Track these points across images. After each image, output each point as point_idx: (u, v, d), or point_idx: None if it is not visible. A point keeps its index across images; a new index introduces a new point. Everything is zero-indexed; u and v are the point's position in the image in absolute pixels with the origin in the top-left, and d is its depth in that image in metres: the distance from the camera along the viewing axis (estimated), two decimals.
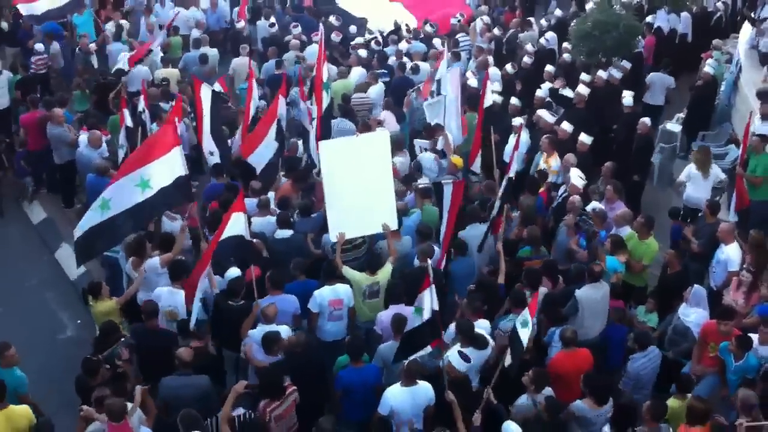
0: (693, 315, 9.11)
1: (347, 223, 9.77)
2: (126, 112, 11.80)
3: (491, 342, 8.54)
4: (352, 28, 19.28)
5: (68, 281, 12.04)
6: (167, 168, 9.14)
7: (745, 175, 11.32)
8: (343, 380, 8.24)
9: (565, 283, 9.76)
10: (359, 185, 9.67)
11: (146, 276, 9.48)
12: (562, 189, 11.67)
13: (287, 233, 10.33)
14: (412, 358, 7.94)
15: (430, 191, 11.03)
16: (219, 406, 7.63)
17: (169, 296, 9.15)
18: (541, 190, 11.72)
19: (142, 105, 12.08)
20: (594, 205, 11.00)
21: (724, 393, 8.56)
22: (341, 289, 9.31)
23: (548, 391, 7.87)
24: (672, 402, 8.01)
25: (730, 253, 9.95)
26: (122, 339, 8.50)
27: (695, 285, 9.39)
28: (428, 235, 10.06)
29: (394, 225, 9.99)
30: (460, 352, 7.90)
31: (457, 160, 12.39)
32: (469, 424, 7.54)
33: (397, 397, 7.71)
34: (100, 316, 9.09)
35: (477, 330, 8.38)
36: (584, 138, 12.56)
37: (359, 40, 17.99)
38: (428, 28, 18.65)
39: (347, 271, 9.51)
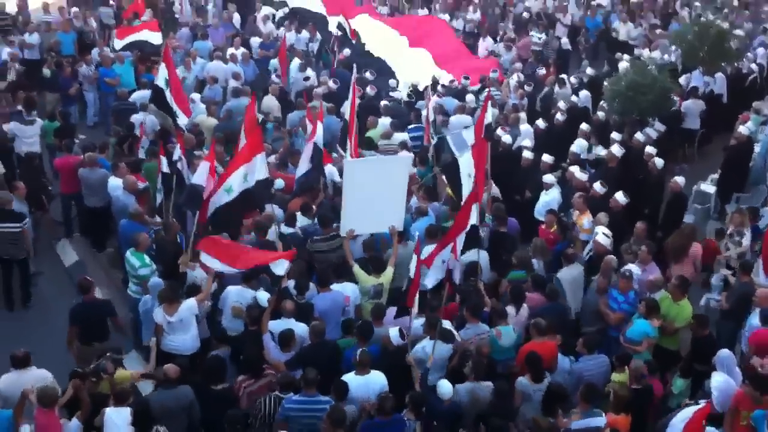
0: (716, 379, 8.87)
1: (359, 222, 10.84)
2: (163, 159, 11.95)
3: (457, 338, 9.46)
4: (392, 82, 19.45)
5: None
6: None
7: None
8: (350, 360, 8.97)
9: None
10: (375, 194, 10.58)
11: (182, 317, 9.69)
12: (588, 247, 11.61)
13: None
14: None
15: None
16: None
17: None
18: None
19: (178, 152, 12.22)
20: (629, 267, 10.83)
21: None
22: (349, 288, 10.36)
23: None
24: (615, 376, 9.03)
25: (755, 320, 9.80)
26: (107, 354, 8.84)
27: (721, 350, 9.22)
28: (435, 234, 10.93)
29: (400, 229, 11.10)
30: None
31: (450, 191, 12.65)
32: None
33: (352, 384, 8.56)
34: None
35: (445, 326, 9.34)
36: (619, 197, 12.45)
37: (397, 94, 18.32)
38: (463, 81, 18.83)
39: (357, 270, 10.45)
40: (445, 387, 8.59)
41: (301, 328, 9.51)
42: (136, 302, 10.67)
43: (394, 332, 9.13)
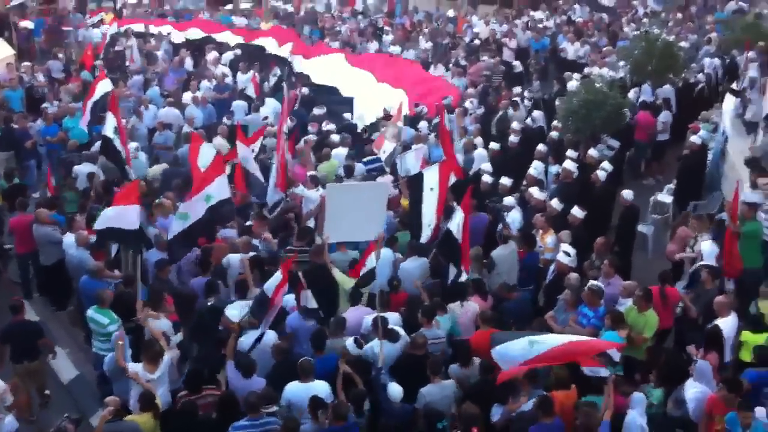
0: (692, 390, 8.94)
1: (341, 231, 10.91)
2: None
3: (404, 337, 9.80)
4: (346, 116, 19.57)
5: (60, 383, 11.78)
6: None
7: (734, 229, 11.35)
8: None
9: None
10: (355, 218, 10.58)
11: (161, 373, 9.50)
12: (552, 267, 11.72)
13: None
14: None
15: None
16: None
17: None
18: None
19: None
20: (595, 282, 10.84)
21: None
22: None
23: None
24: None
25: (724, 326, 9.87)
26: (66, 415, 8.67)
27: (699, 360, 9.26)
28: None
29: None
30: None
31: (405, 202, 13.29)
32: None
33: (292, 391, 8.84)
34: None
35: (392, 326, 9.79)
36: (576, 212, 12.67)
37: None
38: (416, 110, 18.98)
39: (336, 273, 10.94)
40: (394, 390, 8.84)
41: (270, 336, 9.75)
42: (102, 359, 10.39)
43: (350, 342, 9.38)
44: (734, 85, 18.02)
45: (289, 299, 10.59)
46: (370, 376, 9.39)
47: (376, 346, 9.59)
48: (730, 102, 16.69)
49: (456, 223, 10.87)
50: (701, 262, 11.43)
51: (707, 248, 11.60)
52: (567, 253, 11.49)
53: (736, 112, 16.18)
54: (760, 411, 8.33)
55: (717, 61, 20.97)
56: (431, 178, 11.77)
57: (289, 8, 31.10)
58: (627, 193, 13.53)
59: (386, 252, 11.56)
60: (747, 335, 9.85)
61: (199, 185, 11.90)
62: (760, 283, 10.84)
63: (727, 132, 15.49)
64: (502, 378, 8.48)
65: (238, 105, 19.90)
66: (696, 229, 12.16)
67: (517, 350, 8.42)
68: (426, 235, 12.00)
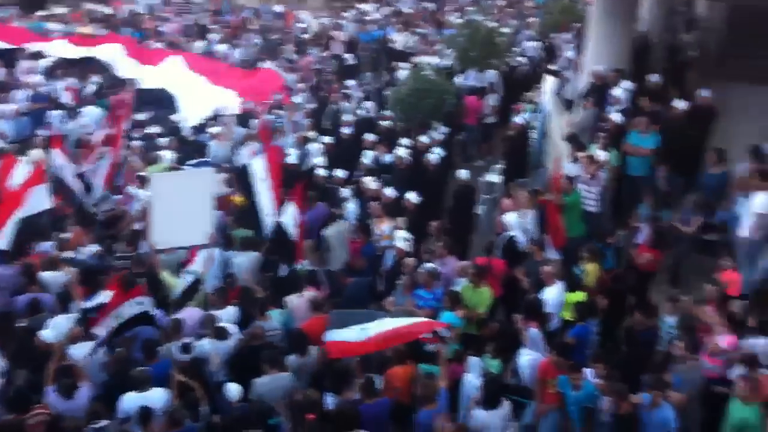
0: (525, 357, 9.30)
1: (167, 236, 11.08)
2: None
3: (236, 334, 9.78)
4: (174, 117, 19.00)
5: None
6: None
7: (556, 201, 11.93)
8: None
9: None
10: (182, 208, 10.81)
11: None
12: (391, 252, 11.85)
13: None
14: None
15: None
16: None
17: None
18: None
19: None
20: (430, 264, 11.08)
21: (567, 426, 8.73)
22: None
23: None
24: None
25: (550, 295, 10.32)
26: None
27: (531, 329, 9.60)
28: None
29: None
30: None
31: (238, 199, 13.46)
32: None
33: (130, 402, 8.64)
34: None
35: (220, 323, 9.79)
36: (411, 197, 12.86)
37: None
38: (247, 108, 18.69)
39: (166, 276, 10.93)
40: (232, 389, 8.82)
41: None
42: None
43: (176, 348, 9.37)
44: (552, 66, 18.84)
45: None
46: (205, 378, 9.20)
47: (206, 346, 9.51)
48: (549, 82, 17.41)
49: (288, 217, 10.79)
50: (509, 233, 11.95)
51: (512, 219, 12.10)
52: (405, 239, 11.64)
53: (555, 92, 16.89)
54: (587, 372, 8.72)
55: (537, 43, 21.90)
56: (259, 169, 11.84)
57: (107, 11, 29.71)
58: (462, 172, 13.90)
59: (216, 252, 11.42)
60: (568, 295, 10.39)
61: (9, 207, 11.20)
62: (592, 252, 11.32)
63: (548, 111, 16.16)
64: (335, 353, 8.66)
65: (55, 115, 18.83)
66: (521, 204, 12.59)
67: (350, 337, 8.51)
68: (268, 225, 12.01)
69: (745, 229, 11.10)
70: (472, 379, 8.93)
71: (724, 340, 9.25)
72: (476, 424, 8.34)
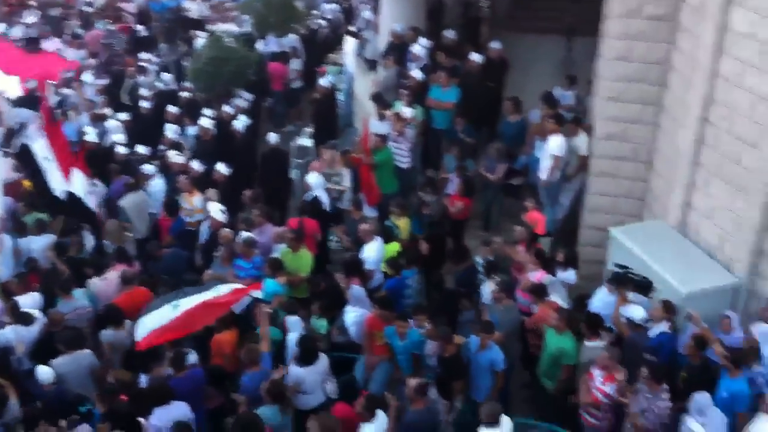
0: (351, 315, 9.41)
1: None
2: None
3: (41, 318, 9.49)
4: None
5: None
6: None
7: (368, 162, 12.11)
8: None
9: None
10: None
11: None
12: (205, 225, 11.51)
13: None
14: None
15: None
16: None
17: None
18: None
19: None
20: (246, 234, 10.85)
21: (397, 375, 8.91)
22: None
23: None
24: None
25: (370, 252, 10.46)
26: None
27: (353, 286, 9.66)
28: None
29: None
30: None
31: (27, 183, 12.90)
32: None
33: None
34: None
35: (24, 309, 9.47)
36: (221, 168, 12.55)
37: None
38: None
39: None
40: (43, 372, 8.55)
41: None
42: None
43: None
44: (352, 27, 18.90)
45: None
46: (11, 369, 8.83)
47: (9, 334, 9.12)
48: (350, 43, 17.45)
49: (78, 188, 10.38)
50: (312, 193, 12.02)
51: (315, 180, 12.13)
52: (219, 211, 11.35)
53: (356, 53, 16.96)
54: (412, 322, 8.91)
55: (335, 6, 21.86)
56: (41, 148, 11.51)
57: None
58: (270, 136, 13.73)
59: (6, 238, 11.00)
60: (387, 249, 10.56)
61: None
62: (402, 206, 11.58)
63: (351, 72, 16.20)
64: (141, 346, 8.48)
65: None
66: (331, 163, 12.59)
67: (162, 317, 8.37)
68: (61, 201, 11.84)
69: (544, 172, 11.71)
70: (291, 337, 9.01)
71: (535, 276, 9.75)
72: (293, 379, 8.44)
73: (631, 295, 9.04)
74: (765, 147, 8.52)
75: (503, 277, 9.82)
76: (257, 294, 9.21)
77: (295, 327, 9.16)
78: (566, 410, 8.75)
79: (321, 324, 9.60)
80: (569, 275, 10.03)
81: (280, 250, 10.62)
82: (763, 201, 8.63)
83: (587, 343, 8.68)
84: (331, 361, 8.87)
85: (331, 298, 9.86)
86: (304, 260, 10.45)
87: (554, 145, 11.48)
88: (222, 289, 8.79)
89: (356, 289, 9.60)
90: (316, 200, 11.92)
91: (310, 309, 9.75)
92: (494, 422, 7.56)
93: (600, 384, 8.17)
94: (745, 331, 8.67)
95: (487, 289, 9.89)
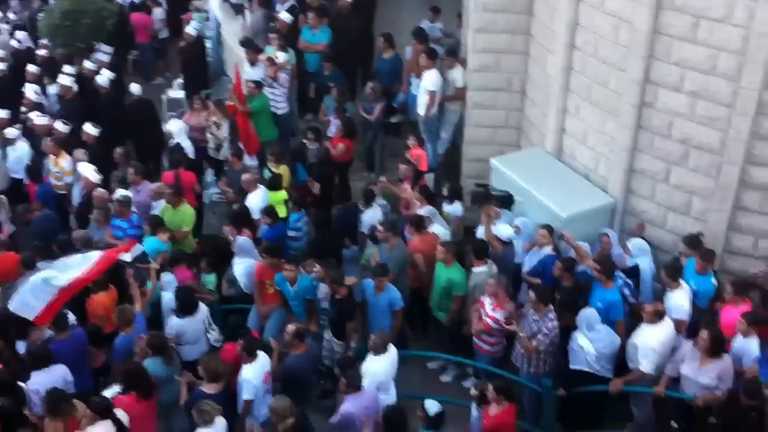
0: (239, 266, 9.34)
1: None
2: None
3: None
4: None
5: None
6: None
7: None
8: None
9: None
10: None
11: None
12: (77, 187, 11.11)
13: None
14: None
15: None
16: None
17: None
18: None
19: None
20: (120, 192, 10.46)
21: (293, 320, 8.85)
22: None
23: None
24: None
25: (254, 201, 10.32)
26: None
27: (239, 237, 9.52)
28: None
29: None
30: None
31: None
32: None
33: None
34: None
35: None
36: (89, 128, 12.04)
37: None
38: None
39: None
40: None
41: None
42: None
43: None
44: None
45: None
46: None
47: None
48: None
49: None
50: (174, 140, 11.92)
51: (175, 127, 11.99)
52: (90, 171, 10.95)
53: None
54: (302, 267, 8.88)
55: None
56: None
57: None
58: (134, 87, 13.26)
59: None
60: (270, 195, 10.45)
61: None
62: (281, 153, 11.41)
63: (217, 17, 15.64)
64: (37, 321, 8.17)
65: None
66: (215, 114, 12.21)
67: (37, 294, 8.05)
68: None
69: (421, 108, 11.74)
70: (168, 296, 8.87)
71: (422, 210, 9.81)
72: (172, 331, 8.42)
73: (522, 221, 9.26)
74: (630, 69, 8.81)
75: (390, 217, 9.86)
76: (126, 257, 8.92)
77: (169, 286, 8.97)
78: (460, 340, 8.94)
79: (210, 280, 9.43)
80: (455, 208, 10.17)
81: (159, 207, 10.28)
82: (631, 121, 8.95)
83: (474, 269, 8.87)
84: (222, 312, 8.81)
85: (218, 252, 9.67)
86: (185, 215, 10.19)
87: (428, 80, 11.50)
88: (92, 257, 8.53)
89: (242, 240, 9.44)
90: (177, 147, 11.61)
91: (199, 265, 9.54)
92: (382, 350, 7.81)
93: (491, 311, 8.37)
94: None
95: (366, 218, 10.01)
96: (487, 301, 8.44)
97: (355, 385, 7.40)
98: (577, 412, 8.20)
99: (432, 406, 7.33)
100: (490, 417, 7.39)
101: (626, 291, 8.50)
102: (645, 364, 7.77)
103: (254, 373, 7.65)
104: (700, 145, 8.56)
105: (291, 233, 10.15)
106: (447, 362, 9.48)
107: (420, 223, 9.46)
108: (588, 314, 8.01)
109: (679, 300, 8.10)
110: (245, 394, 7.65)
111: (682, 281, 8.24)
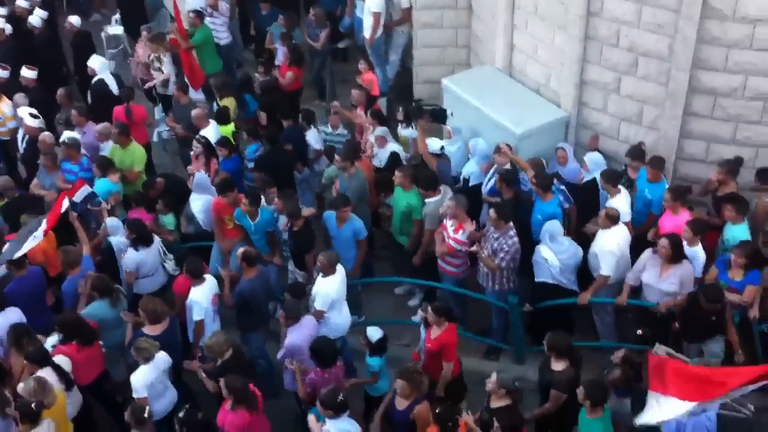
0: (196, 203, 9.23)
1: None
2: None
3: None
4: None
5: None
6: None
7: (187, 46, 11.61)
8: None
9: None
10: None
11: None
12: (20, 134, 10.78)
13: None
14: None
15: None
16: None
17: None
18: None
19: None
20: (67, 134, 10.21)
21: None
22: None
23: None
24: None
25: (210, 132, 10.15)
26: None
27: (195, 173, 9.45)
28: None
29: None
30: None
31: None
32: None
33: None
34: None
35: None
36: (27, 73, 11.64)
37: None
38: None
39: None
40: None
41: None
42: None
43: None
44: None
45: None
46: None
47: None
48: None
49: None
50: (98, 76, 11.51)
51: (97, 64, 11.58)
52: (33, 116, 10.60)
53: None
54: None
55: None
56: None
57: None
58: (73, 19, 12.83)
59: None
60: (221, 129, 10.29)
61: None
62: (225, 85, 11.23)
63: None
64: None
65: None
66: (156, 50, 11.85)
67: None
68: None
69: (367, 31, 11.56)
70: (116, 239, 8.79)
71: (377, 134, 9.76)
72: (132, 264, 8.40)
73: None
74: None
75: (346, 145, 9.77)
76: (74, 199, 8.79)
77: (116, 230, 8.84)
78: (424, 264, 8.97)
79: (168, 220, 9.30)
80: (411, 131, 10.09)
81: (108, 148, 10.06)
82: (579, 32, 8.90)
83: (426, 200, 8.82)
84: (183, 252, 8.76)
85: (173, 191, 9.53)
86: (135, 154, 10.00)
87: (372, 1, 11.31)
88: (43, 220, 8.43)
89: (199, 176, 9.31)
90: (101, 83, 11.32)
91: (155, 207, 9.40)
92: (331, 271, 7.87)
93: (452, 233, 8.41)
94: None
95: (311, 137, 10.06)
96: (449, 224, 8.47)
97: (294, 317, 7.46)
98: (545, 326, 8.38)
99: (374, 332, 7.40)
100: (432, 339, 7.40)
101: (566, 205, 8.64)
102: (605, 268, 7.97)
103: (202, 294, 7.80)
104: (648, 53, 8.58)
105: (250, 165, 10.01)
106: (413, 286, 9.56)
107: (354, 153, 9.43)
108: (552, 227, 8.12)
109: (619, 204, 8.27)
110: (195, 315, 7.80)
111: (621, 187, 8.39)
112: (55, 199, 8.85)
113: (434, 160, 9.32)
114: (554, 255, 8.06)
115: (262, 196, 8.81)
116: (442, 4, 11.09)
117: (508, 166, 8.91)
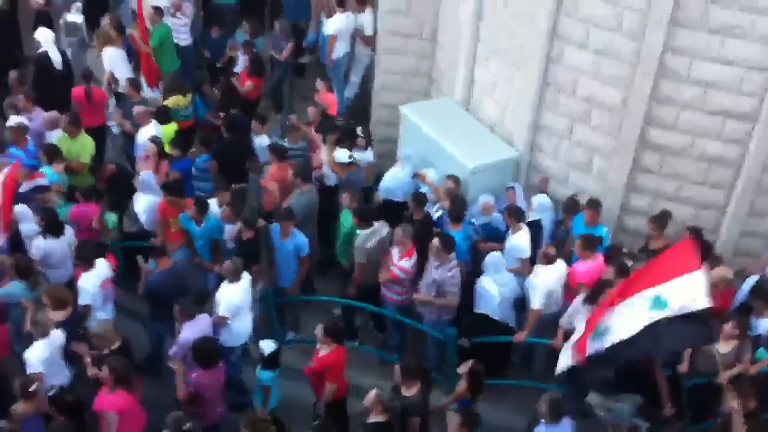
0: (141, 202, 9.13)
1: None
2: None
3: None
4: None
5: None
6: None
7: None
8: None
9: None
10: None
11: None
12: None
13: None
14: None
15: None
16: None
17: None
18: None
19: None
20: (15, 119, 9.92)
21: (195, 261, 8.82)
22: None
23: None
24: None
25: (144, 134, 10.02)
26: None
27: (141, 172, 9.31)
28: None
29: None
30: None
31: None
32: None
33: None
34: None
35: None
36: None
37: None
38: None
39: None
40: None
41: None
42: None
43: None
44: None
45: None
46: None
47: None
48: None
49: None
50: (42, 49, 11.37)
51: (44, 36, 11.44)
52: None
53: None
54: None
55: None
56: None
57: None
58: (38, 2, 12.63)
59: None
60: (164, 129, 10.19)
61: None
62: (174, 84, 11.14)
63: None
64: None
65: None
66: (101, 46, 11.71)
67: None
68: None
69: (331, 53, 11.61)
70: (26, 226, 8.69)
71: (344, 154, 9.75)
72: (39, 252, 8.32)
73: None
74: (539, 20, 8.82)
75: (299, 163, 9.75)
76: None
77: (24, 218, 8.69)
78: (367, 289, 8.90)
79: (111, 218, 9.12)
80: (366, 155, 10.10)
81: (56, 136, 9.83)
82: (537, 76, 9.05)
83: (358, 231, 8.72)
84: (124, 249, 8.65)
85: (118, 189, 9.37)
86: (84, 145, 9.80)
87: (331, 25, 11.50)
88: None
89: (144, 174, 9.19)
90: (45, 57, 11.14)
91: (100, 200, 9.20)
92: (235, 278, 7.90)
93: (397, 261, 8.41)
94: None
95: (262, 142, 10.13)
96: (394, 251, 8.47)
97: (189, 314, 7.52)
98: (481, 359, 8.41)
99: (266, 346, 7.42)
100: (318, 358, 7.41)
101: (475, 237, 8.90)
102: (534, 302, 8.14)
103: (90, 281, 7.90)
104: (603, 104, 8.77)
105: (197, 173, 9.88)
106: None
107: (282, 152, 9.54)
108: (494, 259, 8.24)
109: (520, 241, 8.53)
110: (81, 300, 7.91)
111: (522, 224, 8.61)
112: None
113: (342, 171, 9.49)
114: (496, 287, 8.15)
115: (209, 204, 8.73)
116: (407, 32, 11.15)
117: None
